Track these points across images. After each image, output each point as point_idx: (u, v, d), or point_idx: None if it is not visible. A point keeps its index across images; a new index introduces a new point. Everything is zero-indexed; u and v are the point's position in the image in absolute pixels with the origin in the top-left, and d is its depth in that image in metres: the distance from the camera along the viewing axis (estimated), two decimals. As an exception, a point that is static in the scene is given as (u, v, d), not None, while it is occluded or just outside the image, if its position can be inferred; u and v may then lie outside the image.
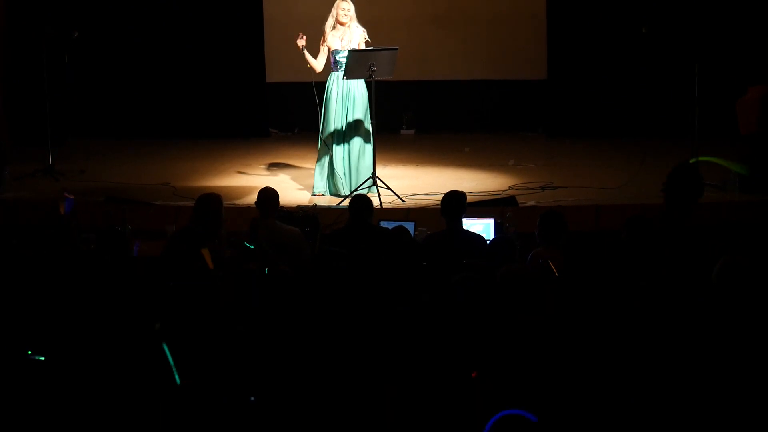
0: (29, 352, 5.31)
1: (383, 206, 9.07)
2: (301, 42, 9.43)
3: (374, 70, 9.21)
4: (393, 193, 9.37)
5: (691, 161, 9.15)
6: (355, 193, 8.96)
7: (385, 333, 5.33)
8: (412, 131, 13.32)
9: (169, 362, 5.03)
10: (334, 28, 9.53)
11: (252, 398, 5.05)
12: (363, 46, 9.48)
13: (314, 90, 9.48)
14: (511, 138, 12.63)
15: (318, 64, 9.56)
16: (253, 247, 6.72)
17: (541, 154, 11.58)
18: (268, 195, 7.49)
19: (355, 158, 9.54)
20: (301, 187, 10.09)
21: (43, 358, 5.28)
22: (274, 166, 11.18)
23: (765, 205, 9.00)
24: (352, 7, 9.54)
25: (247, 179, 10.59)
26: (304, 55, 9.48)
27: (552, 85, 12.85)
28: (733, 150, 9.88)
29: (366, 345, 5.24)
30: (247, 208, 8.88)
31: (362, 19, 9.64)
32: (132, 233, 7.65)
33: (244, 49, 13.01)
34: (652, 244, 6.22)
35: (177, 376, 5.03)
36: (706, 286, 5.43)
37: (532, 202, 9.30)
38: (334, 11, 9.54)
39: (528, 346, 5.16)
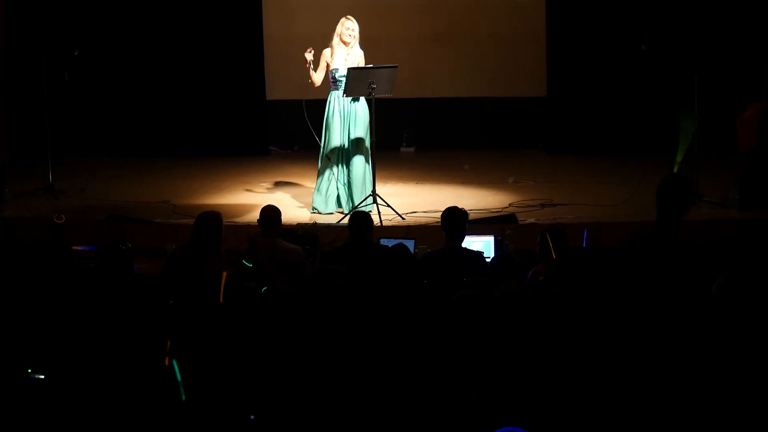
0: (29, 371, 5.30)
1: (383, 224, 9.06)
2: (309, 56, 9.45)
3: (374, 88, 9.23)
4: (393, 211, 9.37)
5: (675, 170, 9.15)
6: (354, 210, 8.96)
7: (385, 350, 5.32)
8: (412, 148, 13.34)
9: (176, 379, 5.02)
10: (337, 46, 9.54)
11: (252, 417, 5.04)
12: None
13: (304, 108, 9.56)
14: (510, 155, 12.65)
15: (317, 77, 9.56)
16: (251, 265, 6.71)
17: (540, 171, 11.59)
18: (270, 212, 7.50)
19: (355, 176, 9.54)
20: (301, 204, 10.09)
21: (42, 377, 5.27)
22: (274, 184, 11.19)
23: (764, 221, 9.00)
24: (356, 27, 9.53)
25: (247, 197, 10.60)
26: (308, 68, 9.50)
27: (551, 102, 12.88)
28: (732, 166, 9.90)
29: (366, 362, 5.23)
30: (247, 226, 8.89)
31: (363, 36, 9.63)
32: (132, 251, 7.63)
33: (244, 67, 13.05)
34: (651, 260, 6.21)
35: (183, 392, 5.02)
36: (704, 301, 5.43)
37: (532, 220, 9.30)
38: (339, 29, 9.55)
39: (527, 362, 5.15)
